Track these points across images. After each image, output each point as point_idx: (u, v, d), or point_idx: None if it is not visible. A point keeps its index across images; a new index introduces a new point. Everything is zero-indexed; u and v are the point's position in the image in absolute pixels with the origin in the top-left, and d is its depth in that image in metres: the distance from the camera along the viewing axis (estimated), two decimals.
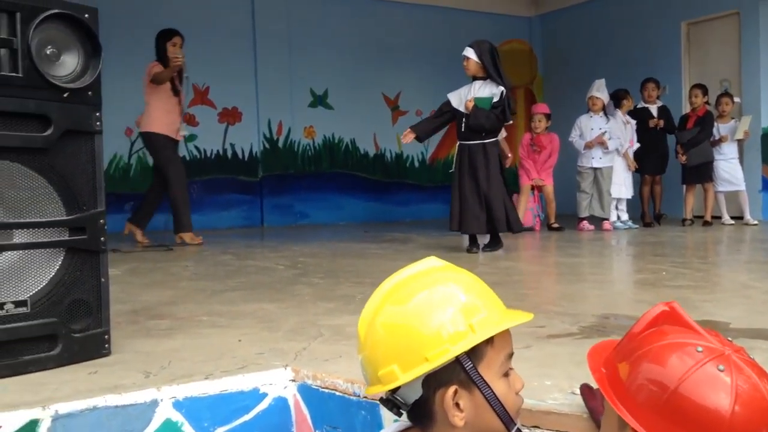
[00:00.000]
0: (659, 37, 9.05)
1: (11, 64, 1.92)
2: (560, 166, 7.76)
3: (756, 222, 7.32)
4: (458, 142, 5.21)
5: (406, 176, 9.93)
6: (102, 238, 2.10)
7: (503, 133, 7.90)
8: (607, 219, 7.37)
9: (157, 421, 1.70)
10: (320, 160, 9.33)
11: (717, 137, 7.43)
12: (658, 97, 7.82)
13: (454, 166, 5.24)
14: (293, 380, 1.88)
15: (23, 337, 1.90)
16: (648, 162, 7.64)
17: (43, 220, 1.97)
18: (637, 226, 7.47)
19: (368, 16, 9.54)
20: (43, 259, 1.98)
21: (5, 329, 1.86)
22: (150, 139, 6.06)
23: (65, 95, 2.03)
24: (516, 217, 5.19)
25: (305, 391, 1.86)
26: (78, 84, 2.06)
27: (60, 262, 2.00)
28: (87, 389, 1.74)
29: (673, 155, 7.69)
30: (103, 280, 2.10)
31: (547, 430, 1.54)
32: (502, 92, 4.94)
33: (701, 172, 7.47)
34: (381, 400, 1.19)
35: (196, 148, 8.50)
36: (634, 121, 7.54)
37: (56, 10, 1.99)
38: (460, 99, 5.12)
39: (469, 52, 5.06)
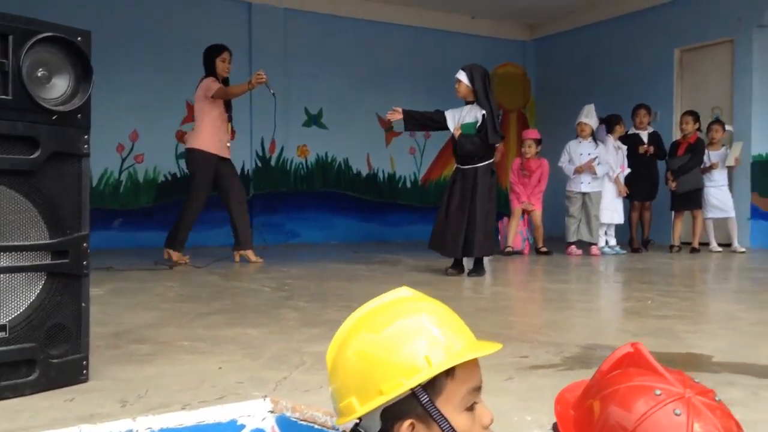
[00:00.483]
0: (652, 64, 9.14)
1: (2, 86, 1.93)
2: (550, 190, 7.79)
3: (743, 249, 7.35)
4: (456, 166, 5.32)
5: (398, 197, 9.95)
6: (84, 262, 2.09)
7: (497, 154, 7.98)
8: (596, 244, 7.40)
9: None
10: (313, 179, 9.34)
11: (707, 164, 7.49)
12: (649, 123, 7.88)
13: (446, 186, 5.35)
14: (272, 411, 1.86)
15: (0, 362, 1.88)
16: (638, 188, 7.68)
17: (26, 243, 1.97)
18: (624, 251, 7.49)
19: (365, 37, 9.60)
20: (24, 282, 1.97)
21: None
22: (194, 157, 5.94)
23: (54, 117, 2.03)
24: (493, 241, 5.25)
25: (284, 423, 1.83)
26: (68, 107, 2.06)
27: (41, 286, 1.99)
28: (63, 417, 1.73)
29: (663, 181, 7.74)
30: (83, 304, 2.08)
31: None
32: (483, 115, 5.04)
33: (690, 199, 7.52)
34: (351, 430, 1.20)
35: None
36: (625, 147, 7.59)
37: (49, 33, 2.00)
38: (454, 120, 5.23)
39: (461, 75, 5.15)
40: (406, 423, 1.10)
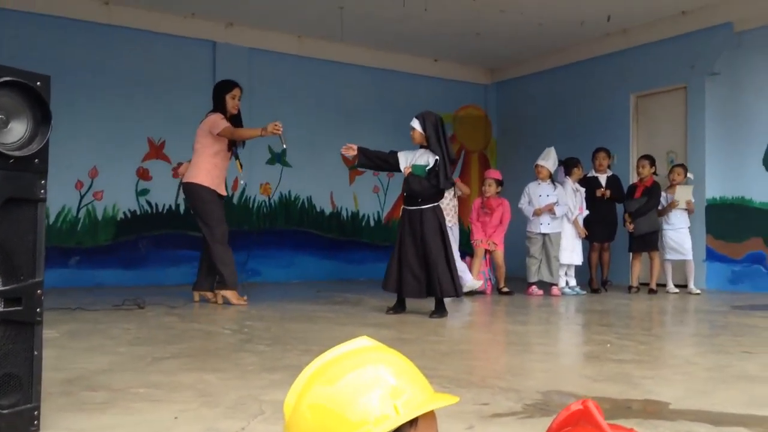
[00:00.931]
0: (609, 108, 9.39)
1: None
2: (511, 230, 7.89)
3: (699, 291, 7.50)
4: (402, 206, 5.46)
5: (362, 235, 9.96)
6: (38, 309, 2.04)
7: (466, 189, 8.08)
8: (556, 284, 7.49)
9: None
10: (276, 217, 9.30)
11: (664, 206, 7.67)
12: (609, 167, 8.06)
13: (397, 228, 5.49)
14: None
15: None
16: (597, 230, 7.82)
17: None
18: (584, 292, 7.59)
19: (329, 77, 9.69)
20: None
21: None
22: (194, 191, 5.78)
23: (11, 162, 2.00)
24: (456, 282, 5.28)
25: None
26: (25, 152, 2.03)
27: None
28: None
29: (621, 223, 7.90)
30: (36, 352, 2.03)
31: None
32: (435, 160, 5.18)
33: (647, 241, 7.68)
34: None
35: (148, 203, 8.40)
36: (583, 189, 7.74)
37: (7, 78, 1.98)
38: (406, 161, 5.37)
39: (415, 123, 5.33)
40: None
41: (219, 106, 5.92)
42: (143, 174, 8.36)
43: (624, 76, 9.21)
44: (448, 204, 7.50)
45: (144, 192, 8.37)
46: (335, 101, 9.74)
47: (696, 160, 8.12)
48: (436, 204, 5.32)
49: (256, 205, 9.14)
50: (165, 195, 8.49)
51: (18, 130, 2.04)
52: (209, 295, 5.96)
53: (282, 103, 9.17)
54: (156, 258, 8.35)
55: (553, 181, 7.58)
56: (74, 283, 7.65)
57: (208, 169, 5.79)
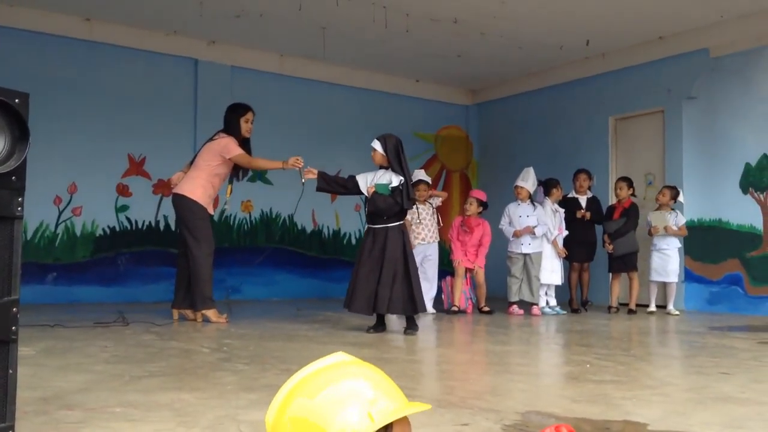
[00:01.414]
0: (589, 130, 9.50)
1: None
2: (492, 250, 7.92)
3: (677, 312, 7.56)
4: (366, 225, 5.54)
5: (343, 253, 9.94)
6: (14, 327, 2.01)
7: (442, 194, 8.14)
8: (536, 304, 7.52)
9: None
10: (256, 235, 9.27)
11: (649, 227, 7.71)
12: (589, 188, 8.13)
13: (360, 246, 5.54)
14: None
15: None
16: (576, 250, 7.88)
17: None
18: (564, 311, 7.63)
19: (311, 96, 9.72)
20: None
21: None
22: (187, 204, 5.74)
23: None
24: (421, 298, 5.39)
25: None
26: (2, 169, 2.00)
27: None
28: None
29: (600, 244, 7.96)
30: (11, 371, 1.99)
31: None
32: (400, 181, 5.31)
33: (626, 262, 7.74)
34: None
35: (128, 219, 8.34)
36: (562, 210, 7.80)
37: None
38: (366, 182, 5.47)
39: (376, 145, 5.45)
40: None
41: (232, 129, 5.91)
42: (123, 190, 8.31)
43: (603, 99, 9.34)
44: (430, 220, 7.53)
45: (123, 208, 8.31)
46: (317, 120, 9.76)
47: (674, 183, 8.21)
48: (401, 222, 5.46)
49: (236, 222, 9.11)
50: (144, 211, 8.43)
51: None
52: (188, 313, 5.91)
53: (263, 121, 9.09)
54: (135, 275, 8.28)
55: (532, 202, 7.64)
56: (51, 299, 7.55)
57: (204, 186, 5.80)
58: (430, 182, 7.86)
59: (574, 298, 7.97)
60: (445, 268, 8.39)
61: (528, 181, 7.61)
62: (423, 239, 7.43)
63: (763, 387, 3.28)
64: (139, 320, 5.81)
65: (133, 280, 8.26)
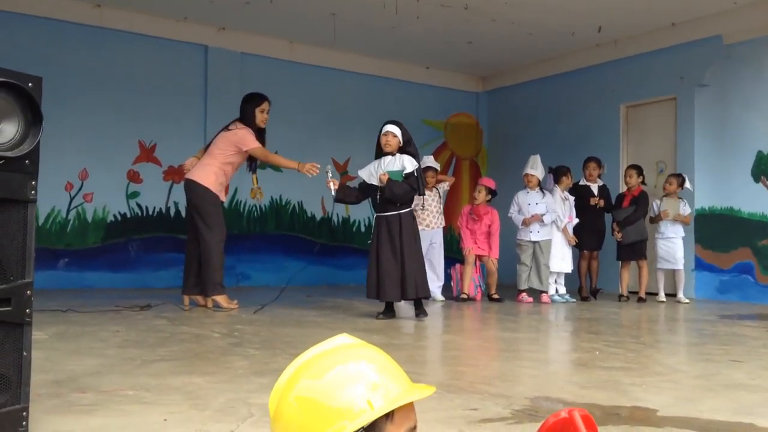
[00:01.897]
0: (599, 118, 9.45)
1: None
2: (502, 238, 7.90)
3: (687, 300, 7.54)
4: (375, 215, 5.55)
5: (352, 240, 9.95)
6: (27, 310, 2.03)
7: (450, 179, 8.14)
8: (546, 292, 7.51)
9: None
10: (266, 222, 9.29)
11: (656, 213, 7.70)
12: (599, 176, 8.09)
13: (372, 237, 5.53)
14: None
15: None
16: (586, 238, 7.85)
17: None
18: (574, 299, 7.62)
19: (321, 82, 9.70)
20: None
21: None
22: (199, 191, 5.76)
23: (1, 163, 1.99)
24: (426, 284, 5.50)
25: None
26: (15, 152, 2.02)
27: None
28: None
29: (609, 232, 7.94)
30: (25, 353, 2.02)
31: None
32: (415, 166, 5.36)
33: (635, 250, 7.72)
34: None
35: (138, 205, 8.38)
36: (572, 198, 7.77)
37: None
38: (371, 173, 5.47)
39: (395, 130, 5.42)
40: None
41: (247, 119, 5.93)
42: (133, 176, 8.34)
43: (614, 87, 9.28)
44: (435, 208, 7.53)
45: (134, 194, 8.35)
46: (326, 107, 9.75)
47: (685, 171, 8.16)
48: (411, 208, 5.52)
49: (246, 209, 9.13)
50: (155, 198, 8.47)
51: (9, 131, 2.04)
52: (199, 298, 5.95)
53: (273, 107, 8.99)
54: (145, 261, 8.33)
55: (542, 189, 7.61)
56: (62, 285, 7.61)
57: (216, 173, 5.84)
58: (438, 169, 7.86)
59: (583, 286, 7.96)
60: (453, 255, 8.39)
61: (537, 168, 7.58)
62: (428, 225, 7.42)
63: None
64: (162, 303, 5.86)
65: (144, 266, 8.31)
